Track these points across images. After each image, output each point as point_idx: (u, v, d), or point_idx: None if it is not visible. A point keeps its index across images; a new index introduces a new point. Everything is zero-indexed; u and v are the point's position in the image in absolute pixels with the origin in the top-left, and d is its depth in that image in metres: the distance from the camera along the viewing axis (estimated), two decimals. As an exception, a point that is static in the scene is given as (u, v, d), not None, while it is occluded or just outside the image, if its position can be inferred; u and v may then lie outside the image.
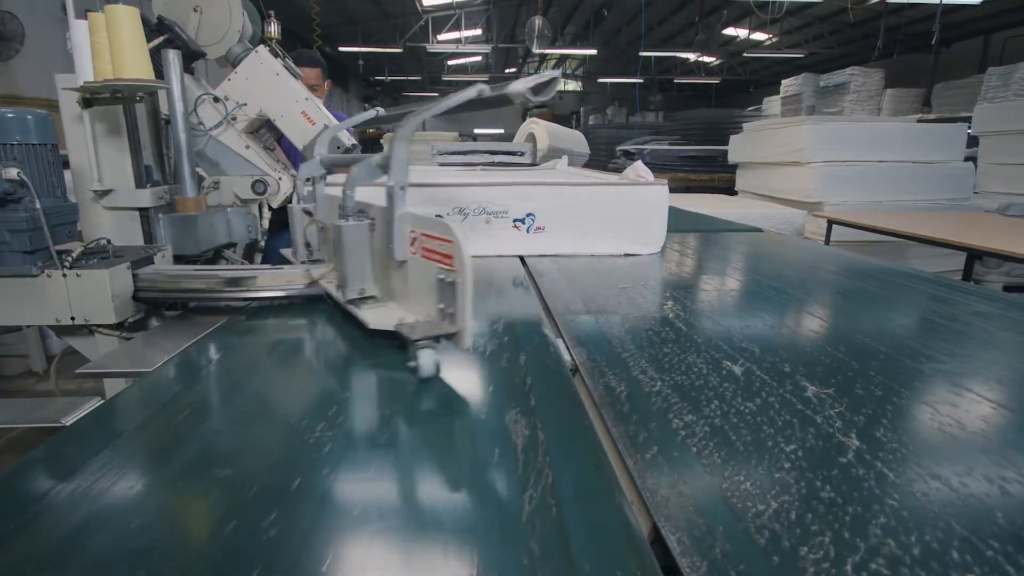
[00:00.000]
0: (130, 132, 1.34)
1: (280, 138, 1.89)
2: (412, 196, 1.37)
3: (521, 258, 1.51)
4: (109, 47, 1.06)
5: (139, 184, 1.36)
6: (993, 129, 4.79)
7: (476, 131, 20.62)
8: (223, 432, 0.62)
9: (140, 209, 1.37)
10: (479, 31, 14.25)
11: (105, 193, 1.33)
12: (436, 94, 22.87)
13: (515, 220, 1.49)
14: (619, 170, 6.68)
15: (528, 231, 1.50)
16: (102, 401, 0.68)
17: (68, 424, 0.63)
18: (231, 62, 1.68)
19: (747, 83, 17.95)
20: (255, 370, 0.80)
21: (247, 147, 1.68)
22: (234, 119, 1.66)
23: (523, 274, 1.36)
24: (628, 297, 1.17)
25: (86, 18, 1.09)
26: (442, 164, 4.11)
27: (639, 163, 1.64)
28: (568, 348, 0.87)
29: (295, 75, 1.70)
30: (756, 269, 1.57)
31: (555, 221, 1.51)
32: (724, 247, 1.86)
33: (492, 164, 4.07)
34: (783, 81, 10.31)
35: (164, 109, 1.48)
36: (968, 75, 8.46)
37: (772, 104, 10.80)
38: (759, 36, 13.24)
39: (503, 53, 17.66)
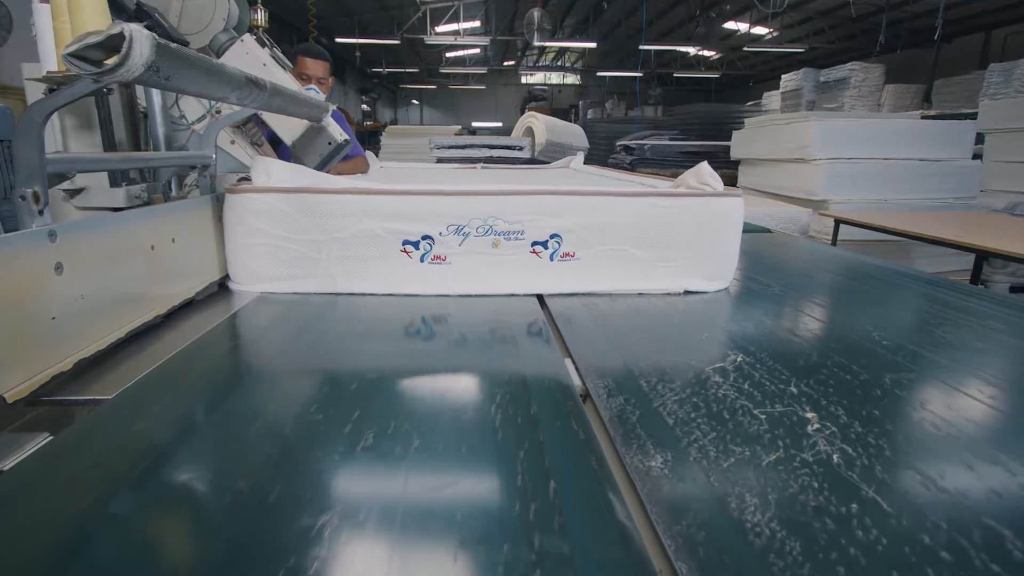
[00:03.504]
0: (103, 126, 1.25)
1: (270, 135, 1.79)
2: (394, 207, 1.06)
3: (539, 297, 1.12)
4: (71, 33, 0.97)
5: (114, 182, 1.27)
6: (999, 126, 4.72)
7: (474, 124, 20.49)
8: (195, 476, 0.54)
9: (114, 209, 1.28)
10: (477, 23, 14.10)
11: (76, 192, 1.24)
12: (434, 86, 22.74)
13: (534, 243, 1.10)
14: (619, 166, 6.58)
15: (551, 258, 1.11)
16: (51, 438, 0.60)
17: (5, 469, 0.54)
18: (216, 51, 1.58)
19: (746, 78, 17.88)
20: (228, 396, 0.71)
21: (232, 142, 1.59)
22: (218, 112, 1.56)
23: (541, 319, 0.98)
24: (721, 392, 0.69)
25: (48, 1, 1.00)
26: (440, 160, 4.03)
27: (704, 166, 1.20)
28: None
29: (284, 66, 1.61)
30: (900, 313, 1.07)
31: (589, 245, 1.11)
32: (812, 274, 1.45)
33: (491, 159, 3.98)
34: (783, 76, 10.24)
35: (142, 101, 1.39)
36: (968, 71, 8.41)
37: (772, 99, 10.73)
38: (760, 30, 13.15)
39: (502, 46, 17.51)
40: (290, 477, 0.52)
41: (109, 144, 1.26)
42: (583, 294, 1.13)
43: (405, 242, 1.07)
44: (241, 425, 0.62)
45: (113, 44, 0.53)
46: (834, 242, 3.28)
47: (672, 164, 6.30)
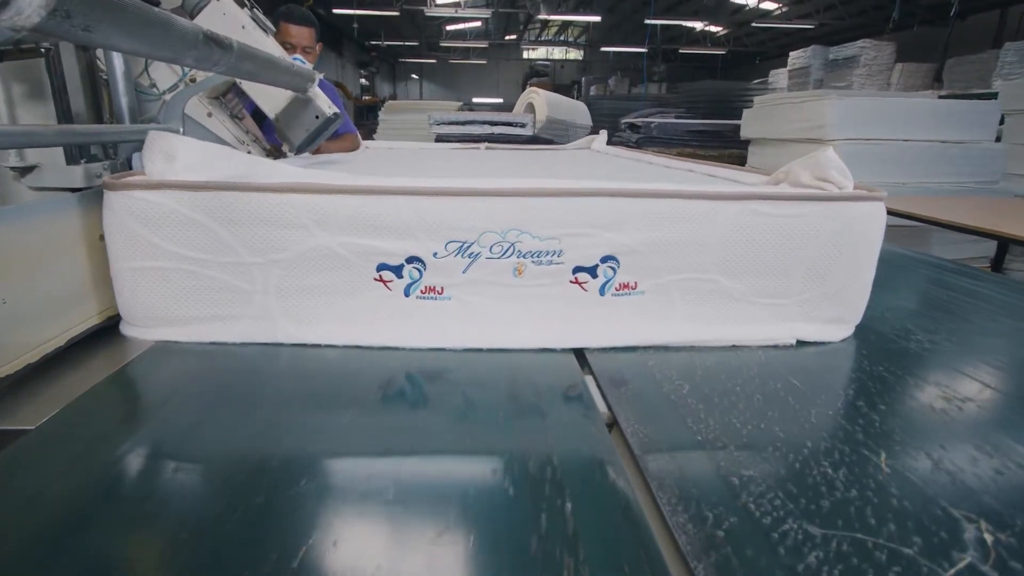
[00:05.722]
0: (57, 95, 1.10)
1: (254, 109, 1.64)
2: (364, 213, 0.70)
3: (578, 352, 0.75)
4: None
5: (71, 160, 1.12)
6: (1020, 107, 4.55)
7: (475, 100, 20.13)
8: (143, 516, 0.41)
9: (72, 190, 1.14)
10: (478, -6, 13.71)
11: (28, 170, 1.10)
12: (434, 61, 22.27)
13: (576, 270, 0.74)
14: (625, 143, 6.33)
15: (602, 292, 0.76)
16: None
17: None
18: (189, 12, 1.42)
19: (752, 55, 17.51)
20: (173, 427, 0.58)
21: (209, 115, 1.44)
22: (192, 80, 1.41)
23: (580, 383, 0.66)
24: None
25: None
26: (439, 137, 3.84)
27: (828, 154, 0.78)
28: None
29: (266, 29, 1.45)
30: None
31: (658, 273, 0.76)
32: (948, 302, 1.00)
33: (493, 136, 3.81)
34: (791, 53, 9.99)
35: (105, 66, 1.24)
36: (982, 50, 8.17)
37: (779, 77, 10.48)
38: (768, 5, 12.82)
39: (503, 18, 17.06)
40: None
41: (64, 115, 1.12)
42: (646, 347, 0.76)
43: (381, 267, 0.73)
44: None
45: (-6, -24, 0.39)
46: (851, 228, 3.14)
47: (680, 143, 6.12)
